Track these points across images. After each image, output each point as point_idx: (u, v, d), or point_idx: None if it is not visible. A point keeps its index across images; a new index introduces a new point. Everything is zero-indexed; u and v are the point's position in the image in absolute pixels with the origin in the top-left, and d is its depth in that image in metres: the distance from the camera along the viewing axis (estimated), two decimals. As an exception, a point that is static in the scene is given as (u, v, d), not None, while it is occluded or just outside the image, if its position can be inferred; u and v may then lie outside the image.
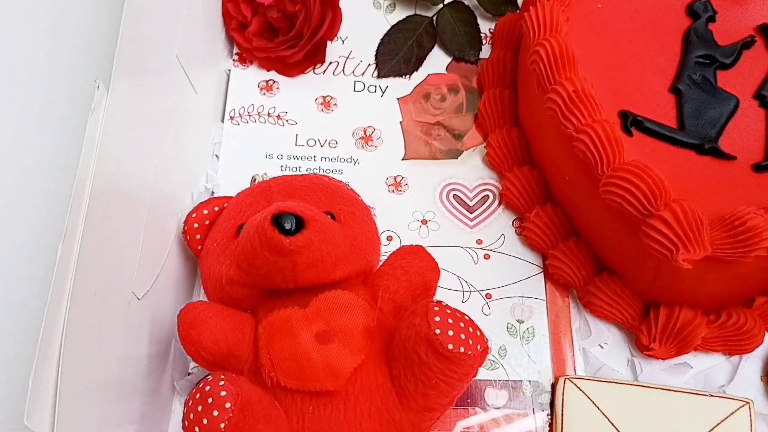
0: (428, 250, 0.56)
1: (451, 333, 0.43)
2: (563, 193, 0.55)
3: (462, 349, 0.43)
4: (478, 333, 0.45)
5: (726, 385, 0.51)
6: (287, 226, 0.45)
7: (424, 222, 0.58)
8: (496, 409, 0.51)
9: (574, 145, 0.48)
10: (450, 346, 0.43)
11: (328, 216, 0.49)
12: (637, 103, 0.51)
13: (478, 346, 0.44)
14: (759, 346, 0.52)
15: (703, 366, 0.52)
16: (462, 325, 0.44)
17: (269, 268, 0.46)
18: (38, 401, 0.33)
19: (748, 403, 0.48)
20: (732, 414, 0.48)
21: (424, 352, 0.43)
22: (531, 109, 0.57)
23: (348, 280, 0.49)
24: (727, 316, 0.51)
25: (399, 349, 0.45)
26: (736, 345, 0.51)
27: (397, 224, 0.58)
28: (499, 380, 0.52)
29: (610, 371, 0.52)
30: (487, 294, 0.55)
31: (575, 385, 0.50)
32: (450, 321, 0.44)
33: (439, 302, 0.45)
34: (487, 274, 0.56)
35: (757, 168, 0.48)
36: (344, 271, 0.48)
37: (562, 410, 0.49)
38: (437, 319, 0.44)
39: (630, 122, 0.49)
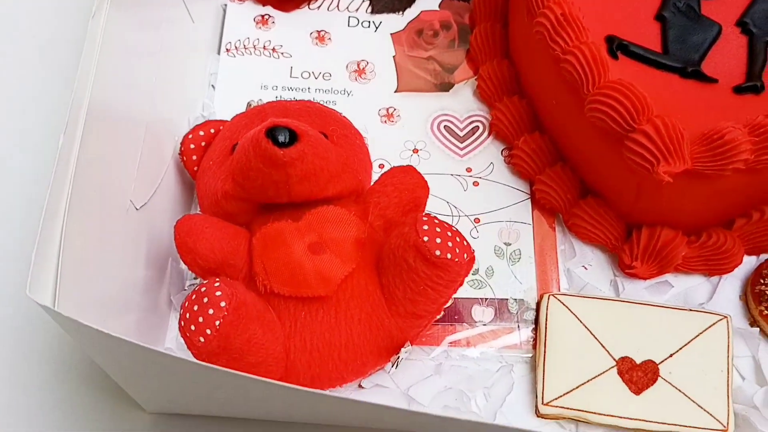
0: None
1: (438, 241, 0.45)
2: (551, 118, 0.56)
3: (449, 256, 0.45)
4: (465, 243, 0.46)
5: (705, 303, 0.53)
6: (281, 138, 0.46)
7: (416, 151, 0.59)
8: (483, 325, 0.53)
9: (561, 67, 0.50)
10: (437, 253, 0.44)
11: (322, 135, 0.50)
12: (624, 29, 0.52)
13: (465, 255, 0.46)
14: (738, 266, 0.53)
15: (684, 285, 0.53)
16: (449, 234, 0.46)
17: (263, 180, 0.47)
18: (41, 277, 0.34)
19: (726, 317, 0.50)
20: (710, 327, 0.50)
21: (412, 259, 0.45)
22: (521, 38, 0.58)
23: (340, 197, 0.50)
24: (708, 236, 0.53)
25: (389, 257, 0.47)
26: (715, 265, 0.53)
27: (389, 153, 0.59)
28: (486, 298, 0.54)
29: (593, 290, 0.54)
30: (475, 218, 0.57)
31: (559, 300, 0.51)
32: (438, 230, 0.45)
33: (428, 214, 0.47)
34: (476, 200, 0.57)
35: (738, 90, 0.49)
36: (336, 188, 0.50)
37: (546, 323, 0.51)
38: (425, 227, 0.45)
39: (616, 46, 0.51)
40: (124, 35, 0.49)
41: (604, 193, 0.54)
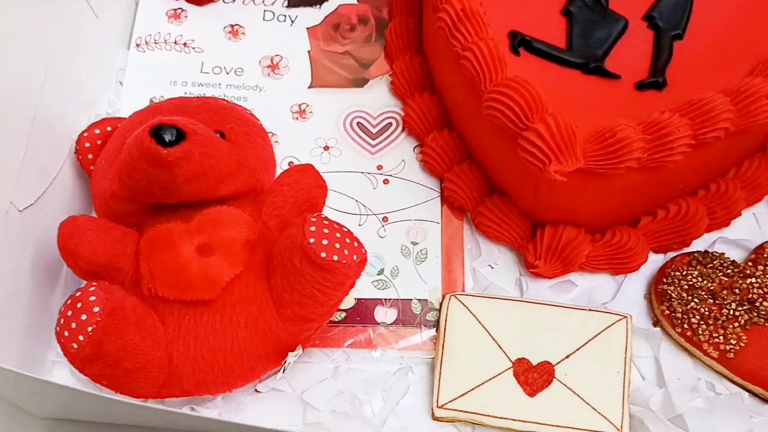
0: (329, 175, 0.57)
1: (325, 242, 0.44)
2: (457, 115, 0.55)
3: (336, 258, 0.44)
4: (356, 244, 0.45)
5: (609, 303, 0.52)
6: (167, 137, 0.45)
7: (326, 148, 0.58)
8: (385, 326, 0.52)
9: (460, 63, 0.49)
10: (323, 255, 0.43)
11: (217, 134, 0.49)
12: (528, 24, 0.51)
13: (355, 257, 0.45)
14: (643, 264, 0.53)
15: (589, 285, 0.53)
16: (338, 235, 0.45)
17: (149, 181, 0.46)
18: None
19: (626, 317, 0.49)
20: (609, 327, 0.49)
21: (298, 261, 0.44)
22: (430, 34, 0.57)
23: (237, 197, 0.49)
24: (612, 234, 0.52)
25: (277, 260, 0.46)
26: (620, 264, 0.52)
27: (299, 150, 0.58)
28: (390, 299, 0.53)
29: (498, 290, 0.53)
30: (383, 217, 0.56)
31: (459, 300, 0.51)
32: (325, 231, 0.44)
33: (318, 215, 0.46)
34: (385, 198, 0.57)
35: (640, 86, 0.49)
36: (231, 188, 0.48)
37: (445, 324, 0.50)
38: (312, 229, 0.44)
39: (518, 42, 0.50)
40: (11, 29, 0.47)
41: (507, 191, 0.53)
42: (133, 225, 0.49)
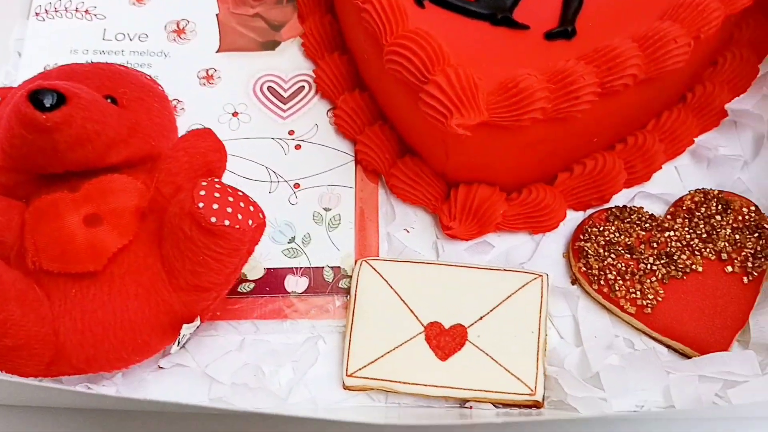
0: (237, 142, 0.55)
1: (215, 206, 0.41)
2: (366, 74, 0.53)
3: (227, 223, 0.41)
4: (251, 208, 0.43)
5: (526, 263, 0.50)
6: (46, 102, 0.42)
7: (235, 114, 0.56)
8: (296, 296, 0.50)
9: (362, 17, 0.46)
10: (213, 219, 0.41)
11: (107, 99, 0.46)
12: (434, -24, 0.49)
13: (250, 221, 0.43)
14: (561, 222, 0.51)
15: (506, 245, 0.51)
16: (230, 199, 0.42)
17: (29, 149, 0.43)
18: None
19: (541, 276, 0.48)
20: (524, 287, 0.47)
21: (188, 227, 0.42)
22: (337, -9, 0.55)
23: (130, 165, 0.47)
24: (528, 192, 0.50)
25: (167, 227, 0.43)
26: (537, 222, 0.51)
27: (207, 117, 0.56)
28: (301, 267, 0.51)
29: (413, 254, 0.51)
30: (295, 184, 0.54)
31: (370, 265, 0.49)
32: (216, 195, 0.42)
33: (211, 179, 0.43)
34: (297, 164, 0.54)
35: (549, 36, 0.47)
36: (122, 155, 0.46)
37: (356, 290, 0.48)
38: (202, 193, 0.42)
39: (422, -7, 0.48)
40: None
41: (419, 150, 0.51)
42: (23, 197, 0.46)
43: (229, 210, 0.42)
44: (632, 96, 0.46)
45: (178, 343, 0.45)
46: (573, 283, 0.49)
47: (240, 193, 0.43)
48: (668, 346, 0.47)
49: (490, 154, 0.47)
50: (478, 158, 0.48)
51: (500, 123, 0.44)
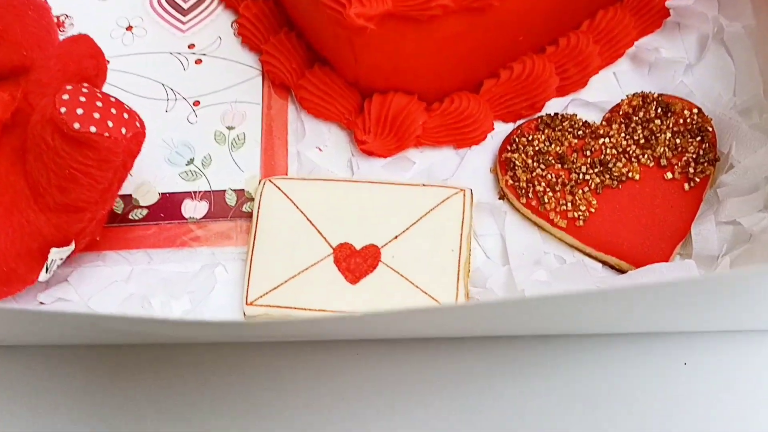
0: (131, 58, 0.49)
1: (80, 111, 0.36)
2: (268, -26, 0.48)
3: (93, 129, 0.36)
4: (126, 116, 0.38)
5: (450, 179, 0.45)
6: None
7: (129, 28, 0.50)
8: (194, 222, 0.45)
9: None
10: (76, 126, 0.36)
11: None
12: None
13: (123, 130, 0.37)
14: (487, 134, 0.46)
15: (429, 161, 0.46)
16: (99, 104, 0.37)
17: None
18: None
19: (463, 191, 0.43)
20: (443, 203, 0.42)
21: (50, 136, 0.36)
22: None
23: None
24: (450, 101, 0.45)
25: (30, 140, 0.38)
26: (461, 135, 0.46)
27: (98, 32, 0.49)
28: (200, 191, 0.46)
29: (325, 173, 0.46)
30: (195, 101, 0.48)
31: (274, 185, 0.44)
32: (82, 99, 0.37)
33: (78, 84, 0.38)
34: (198, 80, 0.49)
35: None
36: (-17, 64, 0.40)
37: (258, 212, 0.43)
38: (65, 97, 0.36)
39: None
40: None
41: (327, 57, 0.46)
42: None
43: (97, 116, 0.36)
44: (558, -15, 0.42)
45: (47, 269, 0.39)
46: (500, 198, 0.45)
47: (112, 99, 0.38)
48: (603, 262, 0.42)
49: (402, 54, 0.42)
50: (389, 60, 0.42)
51: (407, 12, 0.39)
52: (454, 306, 0.36)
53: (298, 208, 0.43)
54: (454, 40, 0.42)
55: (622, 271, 0.42)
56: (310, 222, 0.42)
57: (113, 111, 0.37)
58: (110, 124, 0.37)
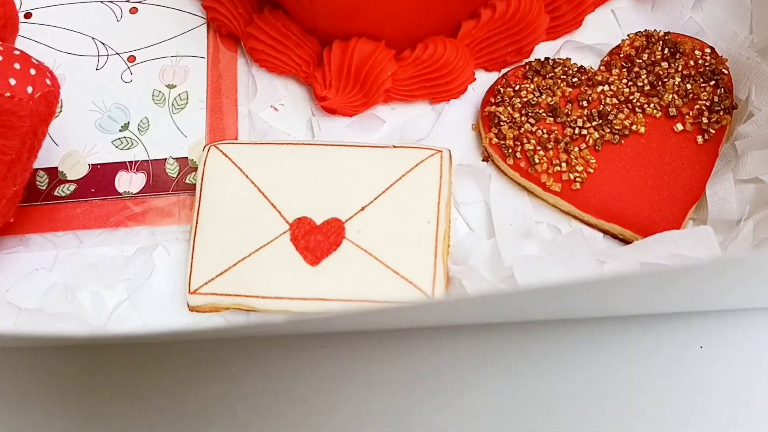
0: (54, 10, 0.43)
1: (-29, 68, 0.30)
2: None
3: (-10, 90, 0.30)
4: (33, 71, 0.31)
5: (425, 138, 0.39)
6: None
7: (52, -26, 0.43)
8: (130, 196, 0.39)
9: None
10: (-33, 85, 0.29)
11: None
12: None
13: (29, 89, 0.31)
14: (468, 85, 0.40)
15: (401, 119, 0.40)
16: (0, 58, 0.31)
17: None
18: None
19: (440, 152, 0.37)
20: (417, 166, 0.36)
21: (-64, 100, 0.30)
22: None
23: None
24: (423, 47, 0.39)
25: None
26: (437, 87, 0.39)
27: (15, -19, 0.43)
28: (136, 161, 0.39)
29: (281, 136, 0.40)
30: (129, 57, 0.42)
31: (220, 150, 0.37)
32: (-25, 54, 0.30)
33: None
34: (133, 32, 0.42)
35: None
36: None
37: (202, 183, 0.37)
38: (-47, 51, 0.30)
39: None
40: None
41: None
42: None
43: (-8, 73, 0.30)
44: None
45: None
46: (484, 159, 0.39)
47: (16, 52, 0.32)
48: (605, 231, 0.37)
49: (363, -9, 0.36)
50: (349, 0, 0.36)
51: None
52: (431, 303, 0.31)
53: (248, 177, 0.37)
54: (423, -26, 0.35)
55: (626, 241, 0.36)
56: (263, 194, 0.36)
57: (16, 66, 0.31)
58: (12, 81, 0.31)
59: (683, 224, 0.35)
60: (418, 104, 0.40)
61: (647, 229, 0.35)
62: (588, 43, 0.41)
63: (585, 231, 0.37)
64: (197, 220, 0.36)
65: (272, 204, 0.36)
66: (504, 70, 0.40)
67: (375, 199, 0.36)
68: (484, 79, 0.41)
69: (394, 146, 0.37)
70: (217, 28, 0.42)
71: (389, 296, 0.34)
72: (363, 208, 0.36)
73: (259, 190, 0.36)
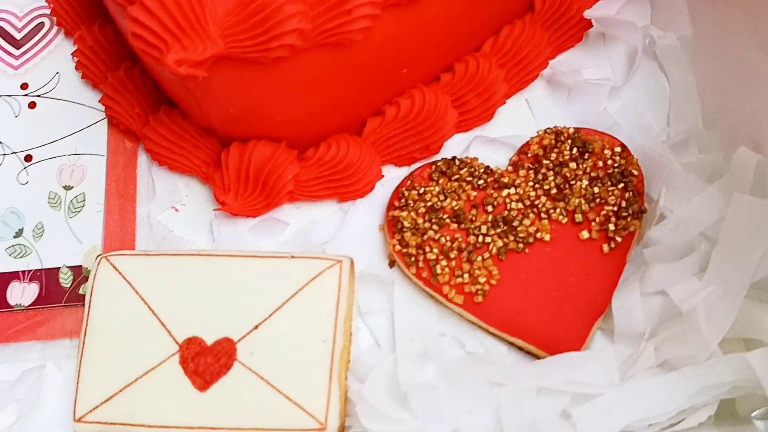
0: (-51, 104, 0.41)
1: None
2: None
3: None
4: None
5: (330, 241, 0.38)
6: None
7: (-53, 67, 0.42)
8: (21, 309, 0.37)
9: None
10: None
11: None
12: None
13: None
14: (375, 183, 0.39)
15: (306, 220, 0.39)
16: None
17: None
18: None
19: (339, 262, 0.35)
20: (315, 279, 0.35)
21: None
22: None
23: None
24: (326, 147, 0.37)
25: None
26: (343, 187, 0.38)
27: None
28: (29, 270, 0.38)
29: (180, 242, 0.38)
30: (27, 156, 0.40)
31: (111, 264, 0.36)
32: None
33: None
34: (31, 128, 0.41)
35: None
36: None
37: (91, 300, 0.35)
38: None
39: None
40: None
41: (174, 98, 0.38)
42: None
43: None
44: (442, 3, 0.34)
45: None
46: (391, 265, 0.37)
47: None
48: (511, 343, 0.35)
49: (253, 99, 0.34)
50: (239, 105, 0.34)
51: (244, 56, 0.31)
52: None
53: (138, 294, 0.35)
54: (316, 81, 0.33)
55: (535, 357, 0.35)
56: (153, 312, 0.35)
57: None
58: None
59: (589, 336, 0.34)
60: (325, 203, 0.39)
61: (550, 346, 0.34)
62: (500, 137, 0.39)
63: (489, 346, 0.35)
64: (84, 340, 0.35)
65: (162, 323, 0.35)
66: (415, 166, 0.39)
67: (269, 316, 0.34)
68: (393, 175, 0.39)
69: (293, 256, 0.35)
70: (116, 124, 0.40)
71: (281, 424, 0.33)
72: (256, 327, 0.34)
73: (149, 307, 0.35)
